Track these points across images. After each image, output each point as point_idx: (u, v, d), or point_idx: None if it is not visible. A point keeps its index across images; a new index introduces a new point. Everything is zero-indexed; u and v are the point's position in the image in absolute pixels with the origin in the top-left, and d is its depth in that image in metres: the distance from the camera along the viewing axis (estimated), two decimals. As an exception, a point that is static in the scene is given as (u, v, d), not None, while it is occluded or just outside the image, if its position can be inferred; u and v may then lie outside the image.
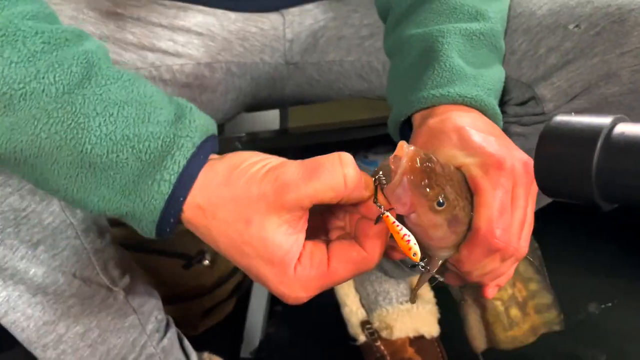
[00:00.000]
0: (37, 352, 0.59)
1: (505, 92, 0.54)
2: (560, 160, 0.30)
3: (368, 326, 0.92)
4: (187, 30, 0.64)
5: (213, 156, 0.39)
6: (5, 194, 0.48)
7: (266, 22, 0.70)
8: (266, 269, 0.37)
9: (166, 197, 0.37)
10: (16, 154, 0.37)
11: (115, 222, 0.58)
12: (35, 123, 0.36)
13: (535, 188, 0.42)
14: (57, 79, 0.36)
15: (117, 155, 0.36)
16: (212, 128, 0.40)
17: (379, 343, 0.88)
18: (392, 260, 0.66)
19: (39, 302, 0.55)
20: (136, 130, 0.37)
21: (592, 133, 0.28)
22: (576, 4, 0.51)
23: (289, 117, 0.78)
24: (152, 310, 0.65)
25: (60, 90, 0.36)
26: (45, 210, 0.51)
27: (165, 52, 0.64)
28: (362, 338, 0.92)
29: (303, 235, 0.38)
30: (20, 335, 0.57)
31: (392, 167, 0.37)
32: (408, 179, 0.37)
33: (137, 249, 0.91)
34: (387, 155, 0.40)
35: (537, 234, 0.47)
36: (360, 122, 0.77)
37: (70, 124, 0.36)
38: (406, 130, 0.51)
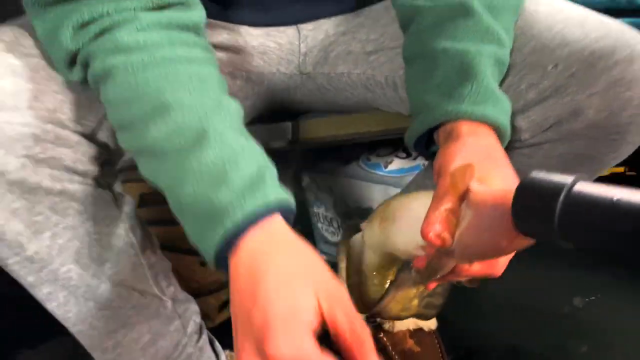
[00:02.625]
0: (95, 354, 0.67)
1: None
2: (531, 210, 0.37)
3: (372, 320, 1.00)
4: (215, 46, 0.69)
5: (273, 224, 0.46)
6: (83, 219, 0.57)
7: (284, 37, 0.77)
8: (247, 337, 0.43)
9: (214, 254, 0.45)
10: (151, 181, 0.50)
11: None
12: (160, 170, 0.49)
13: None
14: (179, 143, 0.47)
15: (195, 208, 0.46)
16: (279, 198, 0.47)
17: (382, 335, 0.95)
18: None
19: (103, 315, 0.63)
20: (213, 194, 0.45)
21: (556, 190, 0.35)
22: (556, 46, 0.57)
23: (299, 130, 0.85)
24: (192, 315, 0.73)
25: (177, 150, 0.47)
26: (113, 232, 0.59)
27: None
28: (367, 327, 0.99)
29: None
30: (84, 341, 0.66)
31: None
32: None
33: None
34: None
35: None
36: (369, 134, 0.83)
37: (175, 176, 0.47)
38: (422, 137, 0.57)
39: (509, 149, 0.60)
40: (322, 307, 0.43)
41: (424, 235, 0.47)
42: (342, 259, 0.72)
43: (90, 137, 0.56)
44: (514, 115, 0.58)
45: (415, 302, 0.64)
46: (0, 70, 0.51)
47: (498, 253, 0.45)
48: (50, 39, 0.51)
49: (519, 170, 0.49)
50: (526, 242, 0.41)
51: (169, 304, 0.69)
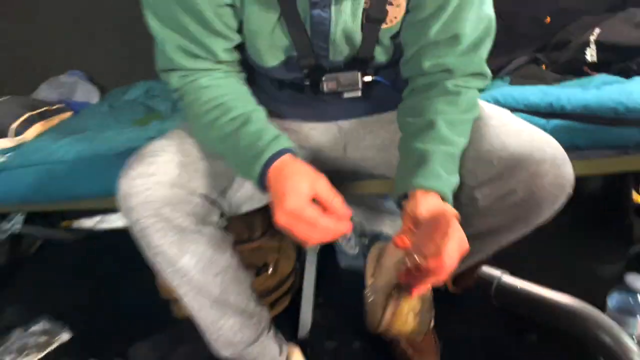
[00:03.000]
0: (205, 336, 1.06)
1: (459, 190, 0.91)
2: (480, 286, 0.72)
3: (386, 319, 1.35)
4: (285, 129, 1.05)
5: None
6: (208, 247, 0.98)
7: (331, 134, 1.12)
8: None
9: (258, 176, 0.84)
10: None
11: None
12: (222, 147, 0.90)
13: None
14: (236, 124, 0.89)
15: (245, 156, 0.86)
16: (285, 146, 0.86)
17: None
18: None
19: (247, 325, 1.03)
20: (253, 149, 0.86)
21: (491, 279, 0.71)
22: (499, 150, 0.88)
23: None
24: (268, 316, 1.12)
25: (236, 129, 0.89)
26: (224, 254, 1.01)
27: None
28: (383, 326, 1.35)
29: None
30: (201, 324, 1.04)
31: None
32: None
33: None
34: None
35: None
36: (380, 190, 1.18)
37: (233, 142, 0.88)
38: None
39: (470, 210, 0.92)
40: (313, 188, 0.79)
41: (394, 241, 0.81)
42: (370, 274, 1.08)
43: (214, 203, 0.97)
44: (472, 189, 0.91)
45: (411, 316, 0.96)
46: (172, 164, 0.92)
47: (438, 249, 0.75)
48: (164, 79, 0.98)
49: (468, 229, 0.82)
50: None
51: (265, 312, 1.09)
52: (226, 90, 0.94)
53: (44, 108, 1.48)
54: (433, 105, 0.91)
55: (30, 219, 1.88)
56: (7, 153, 1.32)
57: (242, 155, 0.87)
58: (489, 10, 0.93)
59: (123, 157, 0.93)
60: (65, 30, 1.90)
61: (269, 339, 1.12)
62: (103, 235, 2.10)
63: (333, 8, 0.89)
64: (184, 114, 0.98)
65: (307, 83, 1.02)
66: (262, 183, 0.84)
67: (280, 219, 0.78)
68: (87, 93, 1.79)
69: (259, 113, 0.92)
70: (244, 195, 1.04)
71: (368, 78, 1.01)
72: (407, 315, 0.89)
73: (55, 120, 1.48)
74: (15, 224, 1.75)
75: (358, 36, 0.94)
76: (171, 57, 0.92)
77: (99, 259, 1.95)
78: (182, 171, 0.92)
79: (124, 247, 1.87)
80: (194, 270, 0.95)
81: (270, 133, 0.87)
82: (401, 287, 0.87)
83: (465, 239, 0.78)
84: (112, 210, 2.03)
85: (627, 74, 1.24)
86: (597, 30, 1.32)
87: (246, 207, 1.08)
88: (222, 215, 1.00)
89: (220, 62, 0.95)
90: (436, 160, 0.86)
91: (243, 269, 1.06)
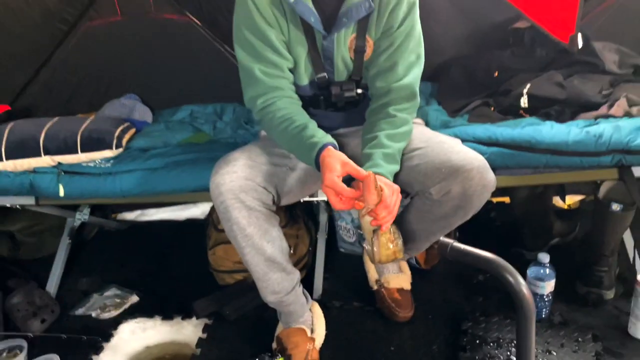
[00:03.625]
0: (258, 285, 1.58)
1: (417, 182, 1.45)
2: (440, 250, 1.26)
3: (378, 281, 1.87)
4: None
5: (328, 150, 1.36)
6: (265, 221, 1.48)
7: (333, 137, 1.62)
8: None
9: (314, 160, 1.37)
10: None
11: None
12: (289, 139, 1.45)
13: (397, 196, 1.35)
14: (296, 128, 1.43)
15: (304, 147, 1.39)
16: (329, 141, 1.39)
17: (382, 289, 1.83)
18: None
19: (286, 279, 1.58)
20: (309, 141, 1.39)
21: (447, 244, 1.25)
22: (445, 161, 1.38)
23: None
24: (299, 275, 1.63)
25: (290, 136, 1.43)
26: (274, 227, 1.53)
27: None
28: (375, 287, 1.86)
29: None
30: (255, 275, 1.54)
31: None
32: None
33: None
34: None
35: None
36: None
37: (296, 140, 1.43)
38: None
39: (429, 202, 1.45)
40: (344, 168, 1.31)
41: (354, 206, 1.32)
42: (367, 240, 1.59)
43: (270, 193, 1.48)
44: (429, 187, 1.42)
45: (391, 248, 1.40)
46: (246, 166, 1.44)
47: (378, 195, 1.27)
48: (250, 106, 1.52)
49: (429, 215, 1.43)
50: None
51: (289, 265, 1.59)
52: (290, 110, 1.47)
53: (125, 125, 1.98)
54: (378, 125, 1.47)
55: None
56: (109, 161, 1.81)
57: (304, 148, 1.40)
58: (419, 49, 1.51)
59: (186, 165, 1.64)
60: (122, 60, 2.39)
61: (300, 291, 1.64)
62: (144, 225, 2.60)
63: (335, 39, 1.45)
64: (264, 126, 1.56)
65: (322, 97, 1.57)
66: (317, 164, 1.36)
67: (323, 188, 1.32)
68: (143, 113, 2.26)
69: (311, 122, 1.45)
70: (287, 192, 1.56)
71: (359, 90, 1.56)
72: (387, 243, 1.37)
73: (129, 134, 1.97)
74: (84, 214, 2.22)
75: (350, 63, 1.52)
76: (259, 80, 1.46)
77: (146, 242, 2.44)
78: (251, 170, 1.45)
79: (165, 234, 2.43)
80: (256, 236, 1.46)
81: (320, 134, 1.41)
82: (376, 230, 1.36)
83: (391, 183, 1.34)
84: (179, 203, 2.55)
85: (547, 117, 1.80)
86: (529, 85, 1.88)
87: (285, 201, 1.60)
88: (273, 202, 1.51)
89: (287, 79, 1.50)
90: (377, 157, 1.40)
91: (284, 241, 1.57)
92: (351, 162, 1.33)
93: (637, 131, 1.58)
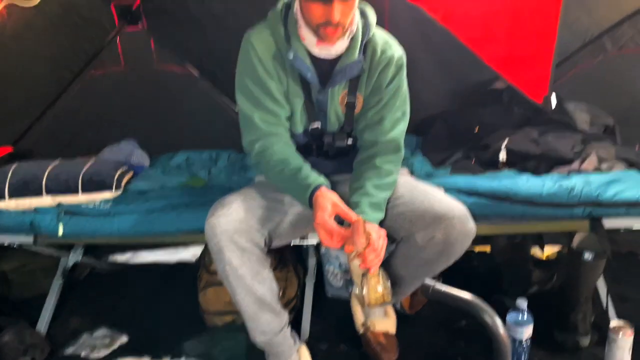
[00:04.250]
0: (247, 325, 1.62)
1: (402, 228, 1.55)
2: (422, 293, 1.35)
3: (364, 324, 1.91)
4: None
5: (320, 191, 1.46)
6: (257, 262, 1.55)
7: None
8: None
9: (308, 200, 1.46)
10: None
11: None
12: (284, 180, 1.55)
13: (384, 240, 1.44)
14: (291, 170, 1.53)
15: (299, 187, 1.50)
16: (322, 182, 1.49)
17: (368, 333, 1.87)
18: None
19: (275, 320, 1.62)
20: (304, 182, 1.49)
21: (429, 285, 1.34)
22: (428, 208, 1.50)
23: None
24: (288, 317, 1.68)
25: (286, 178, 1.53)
26: (265, 269, 1.59)
27: None
28: (361, 330, 1.90)
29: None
30: (245, 316, 1.59)
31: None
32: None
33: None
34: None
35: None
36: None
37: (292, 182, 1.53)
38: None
39: (414, 247, 1.54)
40: (334, 209, 1.42)
41: (345, 250, 1.41)
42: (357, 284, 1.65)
43: (263, 235, 1.55)
44: (413, 233, 1.52)
45: (380, 291, 1.46)
46: (241, 209, 1.52)
47: (367, 239, 1.37)
48: (248, 149, 1.62)
49: (414, 260, 1.52)
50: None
51: (279, 306, 1.64)
52: (286, 153, 1.58)
53: (124, 168, 2.07)
54: (364, 175, 1.57)
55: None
56: (109, 202, 1.89)
57: (299, 189, 1.50)
58: (405, 106, 1.65)
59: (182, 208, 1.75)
60: (123, 107, 2.51)
61: (288, 333, 1.69)
62: (136, 267, 2.65)
63: (329, 94, 1.58)
64: (261, 169, 1.64)
65: (314, 146, 1.69)
66: (311, 204, 1.46)
67: (315, 225, 1.41)
68: (140, 158, 2.36)
69: (306, 164, 1.56)
70: (279, 234, 1.64)
71: (350, 141, 1.69)
72: (376, 286, 1.44)
73: (127, 177, 2.06)
74: (78, 255, 2.27)
75: (342, 116, 1.65)
76: (258, 126, 1.57)
77: (137, 284, 2.48)
78: (246, 213, 1.53)
79: (155, 276, 2.47)
80: (248, 277, 1.52)
81: (314, 175, 1.51)
82: (365, 273, 1.44)
83: (378, 227, 1.44)
84: (173, 244, 2.59)
85: (524, 170, 1.92)
86: (507, 140, 2.01)
87: (277, 243, 1.67)
88: (265, 244, 1.59)
89: (284, 126, 1.61)
90: (364, 205, 1.50)
91: (275, 282, 1.64)
92: (342, 204, 1.43)
93: (606, 185, 1.70)
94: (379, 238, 1.41)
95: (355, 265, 1.43)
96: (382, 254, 1.42)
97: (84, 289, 2.44)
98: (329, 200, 1.43)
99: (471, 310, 1.25)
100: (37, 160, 2.09)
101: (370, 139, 1.62)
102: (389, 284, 1.45)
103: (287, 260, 2.18)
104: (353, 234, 1.37)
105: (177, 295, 2.32)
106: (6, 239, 1.92)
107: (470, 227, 1.50)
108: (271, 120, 1.59)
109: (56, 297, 2.16)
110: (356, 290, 1.90)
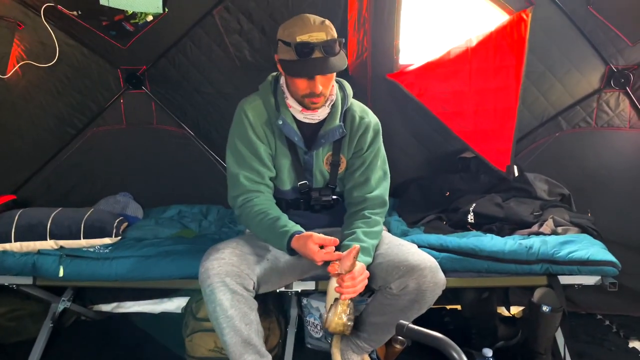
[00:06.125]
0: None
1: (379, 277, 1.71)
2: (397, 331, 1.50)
3: None
4: None
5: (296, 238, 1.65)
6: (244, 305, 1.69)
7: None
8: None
9: (286, 245, 1.66)
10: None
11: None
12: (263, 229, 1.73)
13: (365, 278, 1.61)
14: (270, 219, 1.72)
15: (276, 236, 1.68)
16: (299, 229, 1.68)
17: None
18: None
19: (241, 344, 1.69)
20: (280, 231, 1.68)
21: (403, 325, 1.49)
22: (403, 260, 1.68)
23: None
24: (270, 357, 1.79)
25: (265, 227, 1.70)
26: (252, 311, 1.72)
27: None
28: None
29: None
30: (229, 352, 1.70)
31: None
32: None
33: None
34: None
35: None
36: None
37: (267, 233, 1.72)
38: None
39: (389, 296, 1.69)
40: (313, 239, 1.61)
41: (329, 269, 1.59)
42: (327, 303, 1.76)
43: (252, 279, 1.69)
44: (389, 283, 1.67)
45: (343, 316, 1.60)
46: (233, 255, 1.68)
47: (352, 265, 1.55)
48: (231, 203, 1.81)
49: (389, 307, 1.68)
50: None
51: (264, 348, 1.75)
52: (266, 205, 1.75)
53: (120, 218, 2.21)
54: (355, 224, 1.76)
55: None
56: (108, 247, 2.02)
57: (277, 236, 1.67)
58: (385, 166, 1.86)
59: (176, 255, 1.88)
60: (120, 162, 2.67)
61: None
62: (120, 316, 2.72)
63: (314, 155, 1.77)
64: (242, 220, 1.79)
65: (302, 201, 1.86)
66: (289, 249, 1.63)
67: (308, 244, 1.59)
68: (135, 210, 2.51)
69: (283, 215, 1.73)
70: (265, 281, 1.78)
71: (335, 196, 1.87)
72: (341, 314, 1.60)
73: (123, 227, 2.20)
74: (68, 301, 2.36)
75: (327, 174, 1.85)
76: (242, 184, 1.75)
77: (122, 333, 2.55)
78: (237, 258, 1.68)
79: (140, 326, 2.54)
80: (236, 318, 1.65)
81: (290, 224, 1.69)
82: (337, 298, 1.60)
83: (364, 267, 1.61)
84: (165, 290, 2.66)
85: (490, 231, 2.13)
86: (474, 204, 2.23)
87: (263, 289, 1.81)
88: (253, 288, 1.72)
89: (267, 185, 1.78)
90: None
91: (260, 325, 1.76)
92: (315, 234, 1.62)
93: (560, 245, 1.92)
94: (361, 274, 1.59)
95: (332, 285, 1.60)
96: (357, 288, 1.58)
97: (70, 336, 2.50)
98: (306, 237, 1.61)
99: (440, 346, 1.39)
100: (41, 207, 2.23)
101: (359, 196, 1.82)
102: (353, 320, 1.62)
103: (271, 310, 2.31)
104: (344, 255, 1.56)
105: (162, 345, 2.40)
106: (6, 280, 2.01)
107: (440, 277, 1.67)
108: (256, 179, 1.78)
109: (45, 341, 2.23)
110: (324, 314, 2.03)
